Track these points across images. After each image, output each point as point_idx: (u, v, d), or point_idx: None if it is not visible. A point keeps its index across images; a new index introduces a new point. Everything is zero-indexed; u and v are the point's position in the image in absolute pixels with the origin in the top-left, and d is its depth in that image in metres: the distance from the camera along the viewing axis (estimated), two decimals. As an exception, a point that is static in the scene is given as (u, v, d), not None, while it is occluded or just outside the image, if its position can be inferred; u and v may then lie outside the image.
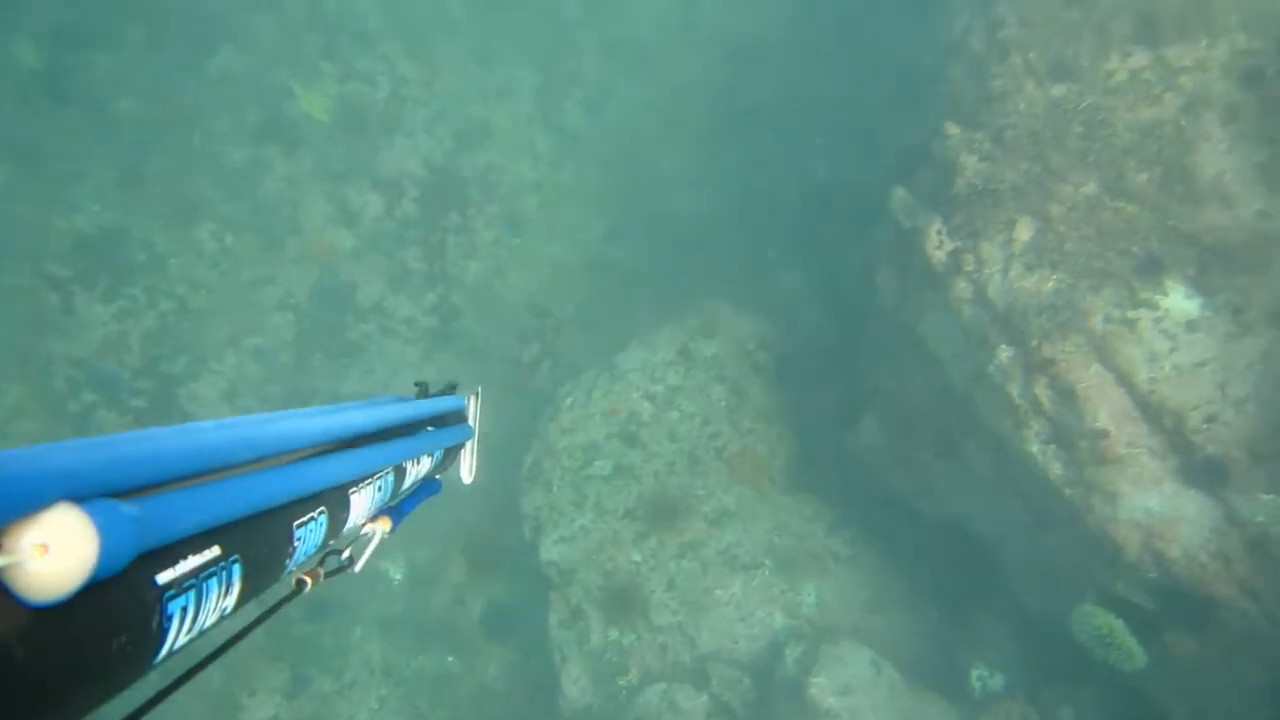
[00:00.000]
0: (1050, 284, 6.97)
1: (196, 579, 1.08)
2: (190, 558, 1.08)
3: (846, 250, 10.46)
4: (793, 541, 10.03)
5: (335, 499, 1.65)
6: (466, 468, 2.95)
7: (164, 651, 1.04)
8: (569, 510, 10.54)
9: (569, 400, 11.48)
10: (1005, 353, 7.06)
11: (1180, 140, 6.99)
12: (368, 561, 1.92)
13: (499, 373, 13.10)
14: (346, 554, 1.85)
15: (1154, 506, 6.45)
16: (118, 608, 0.93)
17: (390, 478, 1.99)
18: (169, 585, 1.02)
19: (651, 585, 9.84)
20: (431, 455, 2.38)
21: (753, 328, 11.87)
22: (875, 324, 9.08)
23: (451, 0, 14.95)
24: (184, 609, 1.05)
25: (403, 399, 2.40)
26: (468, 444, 2.88)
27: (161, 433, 1.13)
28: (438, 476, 2.59)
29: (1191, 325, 6.65)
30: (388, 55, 14.37)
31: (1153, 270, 6.78)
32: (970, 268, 7.32)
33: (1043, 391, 6.84)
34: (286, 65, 13.67)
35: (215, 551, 1.14)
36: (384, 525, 2.00)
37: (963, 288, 7.37)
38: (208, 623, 1.15)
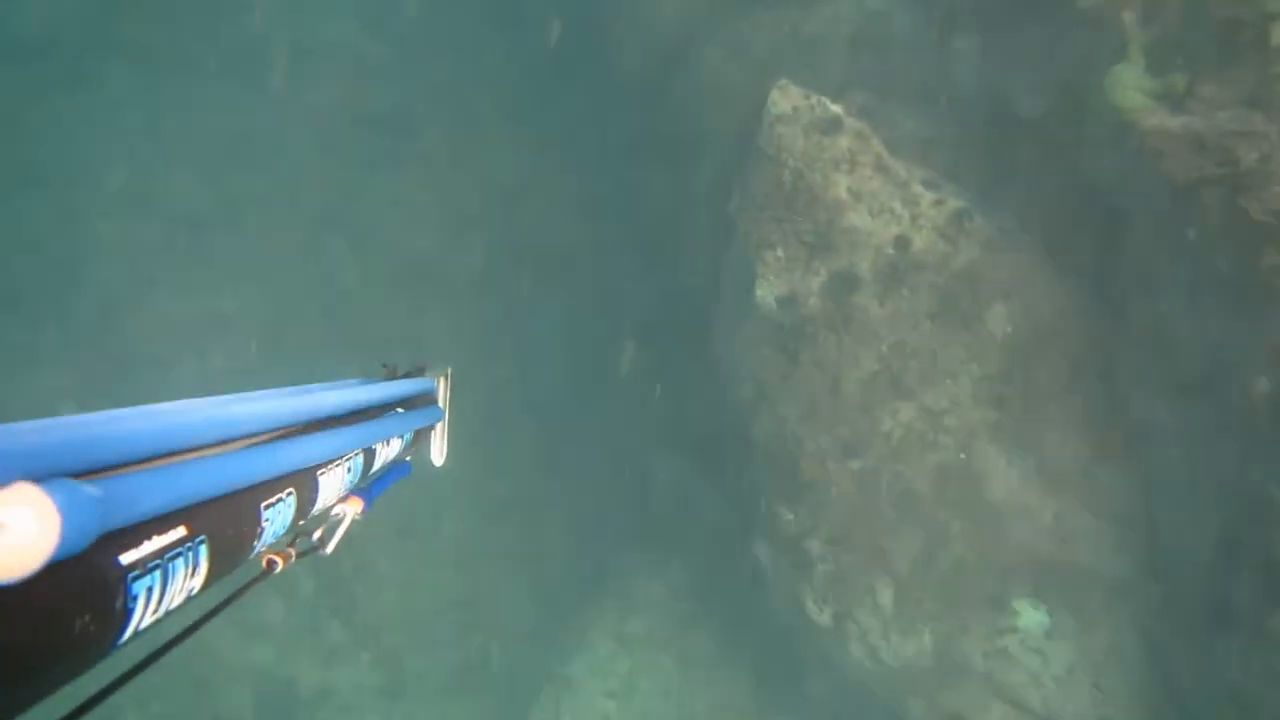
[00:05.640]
0: (928, 638, 8.08)
1: (162, 559, 1.09)
2: (155, 538, 1.08)
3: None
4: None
5: (303, 480, 1.67)
6: (437, 450, 2.98)
7: (129, 632, 1.05)
8: None
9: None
10: (917, 706, 8.19)
11: (969, 474, 8.11)
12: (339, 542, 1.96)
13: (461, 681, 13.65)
14: (318, 535, 1.90)
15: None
16: (80, 587, 0.94)
17: (359, 459, 2.02)
18: (133, 565, 1.03)
19: None
20: (401, 437, 2.41)
21: (668, 584, 12.77)
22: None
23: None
24: (149, 589, 1.06)
25: (371, 381, 2.45)
26: (438, 426, 2.90)
27: (126, 413, 1.15)
28: (408, 459, 2.63)
29: (1049, 634, 7.89)
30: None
31: (1000, 599, 7.96)
32: (856, 636, 8.37)
33: (963, 735, 8.02)
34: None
35: (181, 532, 1.15)
36: (355, 506, 2.03)
37: (857, 650, 8.43)
38: (174, 603, 1.16)
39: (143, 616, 1.06)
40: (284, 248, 14.38)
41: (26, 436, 0.90)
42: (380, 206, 15.09)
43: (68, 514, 0.83)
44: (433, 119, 15.26)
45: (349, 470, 1.92)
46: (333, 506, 1.92)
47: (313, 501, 1.72)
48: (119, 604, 0.99)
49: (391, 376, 2.65)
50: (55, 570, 0.83)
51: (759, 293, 8.41)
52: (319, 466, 1.73)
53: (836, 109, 8.38)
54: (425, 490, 14.19)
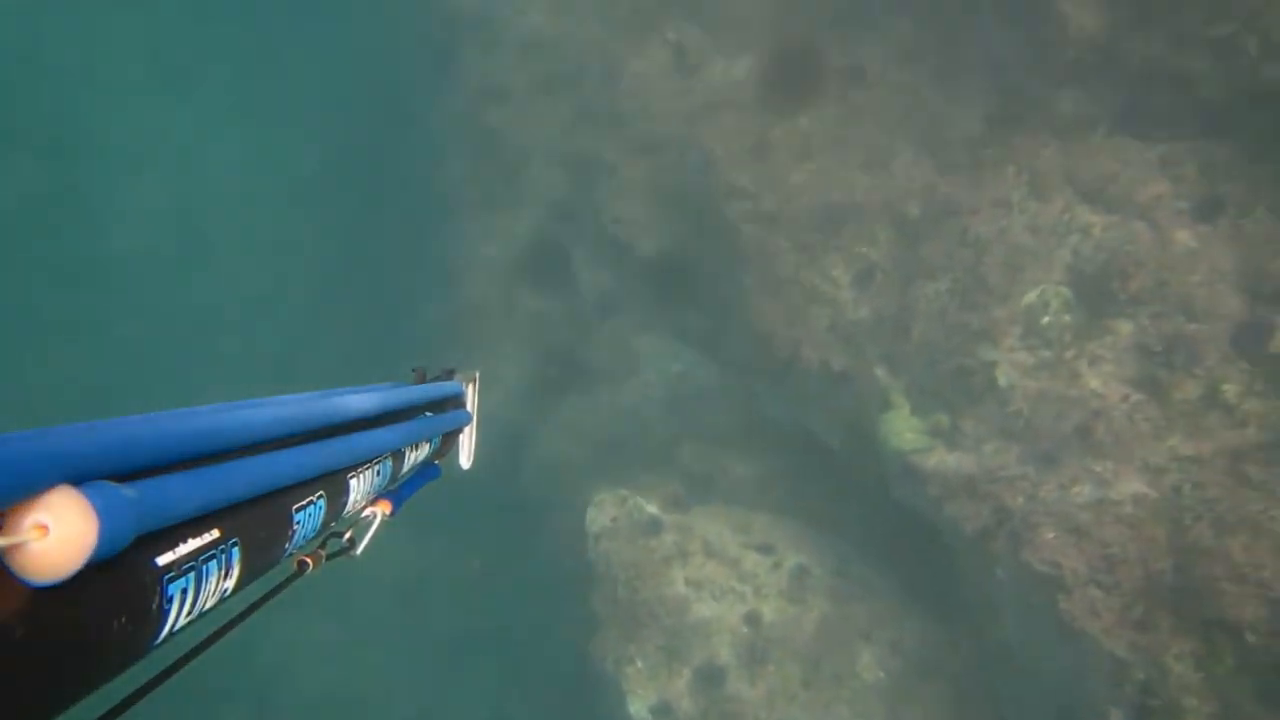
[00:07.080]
0: None
1: (196, 561, 1.08)
2: (190, 540, 1.07)
3: None
4: None
5: (334, 483, 1.64)
6: (465, 453, 2.91)
7: (165, 633, 1.04)
8: None
9: None
10: None
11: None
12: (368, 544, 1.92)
13: None
14: (348, 537, 1.84)
15: None
16: (118, 589, 0.93)
17: (389, 462, 1.99)
18: (168, 567, 1.02)
19: None
20: (429, 440, 2.38)
21: None
22: None
23: None
24: (184, 591, 1.05)
25: (400, 384, 2.40)
26: (466, 429, 2.85)
27: (161, 416, 1.13)
28: (437, 462, 2.59)
29: None
30: None
31: None
32: None
33: None
34: None
35: (214, 534, 1.13)
36: (384, 508, 2.00)
37: None
38: (208, 605, 1.14)
39: (178, 618, 1.06)
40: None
41: (66, 439, 0.90)
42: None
43: (106, 517, 0.85)
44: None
45: (378, 473, 1.94)
46: (362, 509, 1.93)
47: (343, 504, 1.73)
48: (155, 605, 1.00)
49: (421, 380, 2.68)
50: (94, 571, 0.86)
51: (632, 710, 8.17)
52: (349, 470, 1.75)
53: (653, 509, 8.59)
54: None
